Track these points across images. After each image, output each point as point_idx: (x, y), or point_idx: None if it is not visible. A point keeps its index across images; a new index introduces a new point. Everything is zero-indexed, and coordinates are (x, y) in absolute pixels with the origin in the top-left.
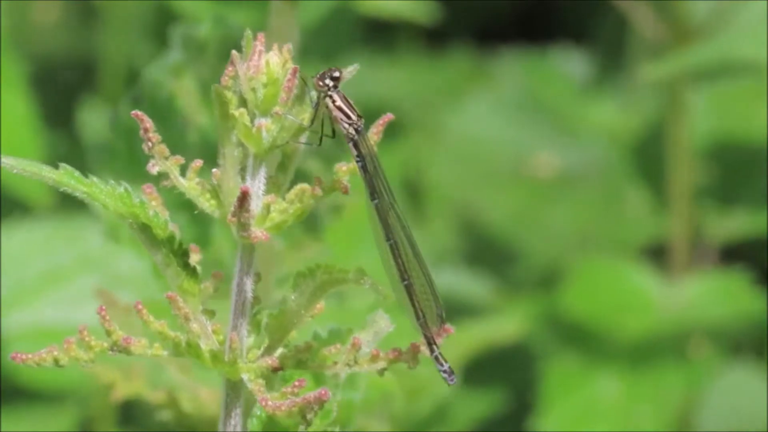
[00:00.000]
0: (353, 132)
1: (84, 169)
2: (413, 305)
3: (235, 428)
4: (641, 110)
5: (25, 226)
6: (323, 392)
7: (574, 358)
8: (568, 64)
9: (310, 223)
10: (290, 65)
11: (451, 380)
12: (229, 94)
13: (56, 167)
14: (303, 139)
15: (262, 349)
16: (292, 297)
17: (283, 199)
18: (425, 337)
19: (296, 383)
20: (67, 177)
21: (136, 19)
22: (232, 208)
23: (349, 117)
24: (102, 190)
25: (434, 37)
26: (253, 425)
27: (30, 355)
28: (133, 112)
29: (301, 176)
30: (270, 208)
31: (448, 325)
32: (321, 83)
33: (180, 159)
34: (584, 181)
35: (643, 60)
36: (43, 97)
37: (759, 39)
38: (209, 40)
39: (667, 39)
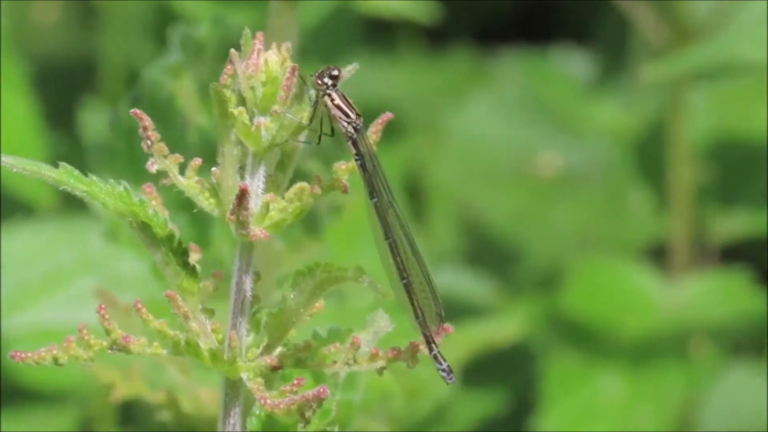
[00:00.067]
0: (352, 130)
1: (84, 169)
2: (412, 304)
3: (234, 427)
4: (642, 110)
5: (27, 228)
6: (322, 390)
7: (574, 357)
8: (569, 64)
9: (309, 224)
10: (289, 64)
11: (450, 379)
12: (228, 93)
13: (56, 167)
14: (302, 137)
15: (261, 347)
16: (291, 295)
17: (282, 197)
18: (424, 335)
19: (295, 381)
20: (66, 176)
21: (136, 20)
22: (231, 206)
23: (348, 115)
24: (101, 189)
25: (434, 37)
26: (252, 424)
27: (29, 354)
28: (133, 110)
29: (300, 176)
30: (269, 206)
31: (446, 324)
32: (320, 82)
33: (179, 157)
34: (586, 181)
35: (644, 60)
36: (44, 98)
37: (759, 39)
38: (208, 41)
39: (667, 39)
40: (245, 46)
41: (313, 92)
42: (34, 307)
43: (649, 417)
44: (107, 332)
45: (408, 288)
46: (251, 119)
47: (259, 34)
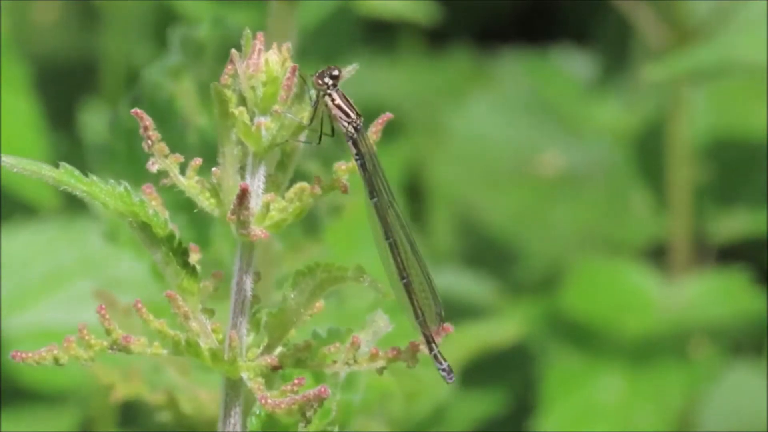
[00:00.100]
0: (352, 130)
1: (84, 169)
2: (412, 304)
3: (235, 427)
4: (643, 110)
5: (28, 228)
6: (323, 389)
7: (574, 358)
8: (570, 64)
9: (309, 225)
10: (289, 64)
11: (450, 379)
12: (228, 93)
13: (57, 167)
14: (302, 137)
15: (261, 347)
16: (292, 295)
17: (283, 197)
18: (424, 335)
19: (296, 381)
20: (67, 176)
21: (136, 20)
22: (232, 206)
23: (348, 115)
24: (102, 189)
25: (434, 38)
26: (252, 424)
27: (30, 354)
28: (133, 110)
29: (299, 176)
30: (269, 206)
31: (447, 324)
32: (320, 82)
33: (180, 157)
34: (587, 181)
35: (645, 60)
36: (44, 98)
37: (759, 39)
38: (208, 42)
39: (667, 39)
40: (246, 46)
41: (313, 92)
42: (34, 308)
43: (648, 417)
44: (108, 332)
45: (408, 288)
46: (252, 119)
47: (260, 34)
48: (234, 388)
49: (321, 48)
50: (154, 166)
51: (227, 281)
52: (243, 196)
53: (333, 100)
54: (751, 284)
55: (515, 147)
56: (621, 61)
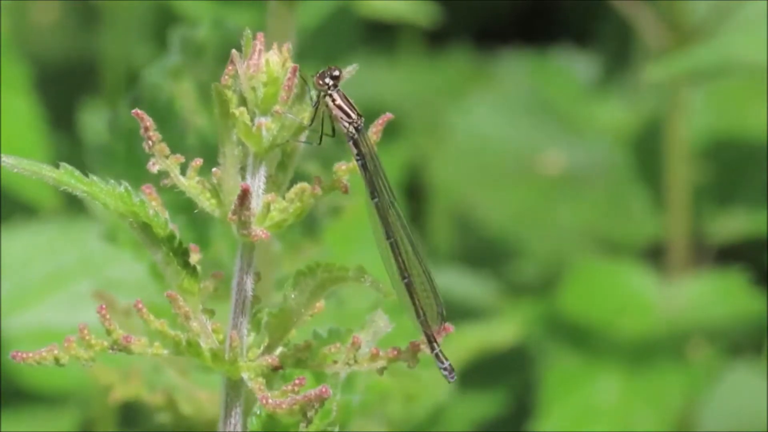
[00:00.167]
0: (353, 131)
1: (85, 170)
2: (413, 303)
3: (236, 427)
4: (644, 110)
5: (28, 229)
6: (324, 389)
7: (573, 359)
8: (570, 64)
9: (308, 226)
10: (290, 64)
11: (452, 378)
12: (229, 93)
13: (57, 167)
14: (303, 137)
15: (262, 347)
16: (292, 295)
17: (283, 198)
18: (425, 335)
19: (296, 381)
20: (67, 176)
21: (136, 20)
22: (233, 207)
23: (349, 116)
24: (102, 190)
25: (434, 38)
26: (252, 424)
27: (30, 354)
28: (134, 111)
29: (299, 177)
30: (270, 206)
31: (448, 324)
32: (321, 82)
33: (180, 158)
34: (587, 181)
35: (645, 60)
36: (44, 99)
37: (758, 39)
38: (208, 42)
39: (667, 39)
40: (246, 46)
41: (314, 93)
42: (34, 308)
43: (648, 418)
44: (108, 332)
45: (409, 288)
46: (252, 120)
47: (260, 35)
48: (235, 389)
49: (321, 48)
50: (154, 167)
51: (227, 281)
52: (244, 196)
53: (334, 100)
54: (749, 285)
55: (516, 147)
56: (621, 61)
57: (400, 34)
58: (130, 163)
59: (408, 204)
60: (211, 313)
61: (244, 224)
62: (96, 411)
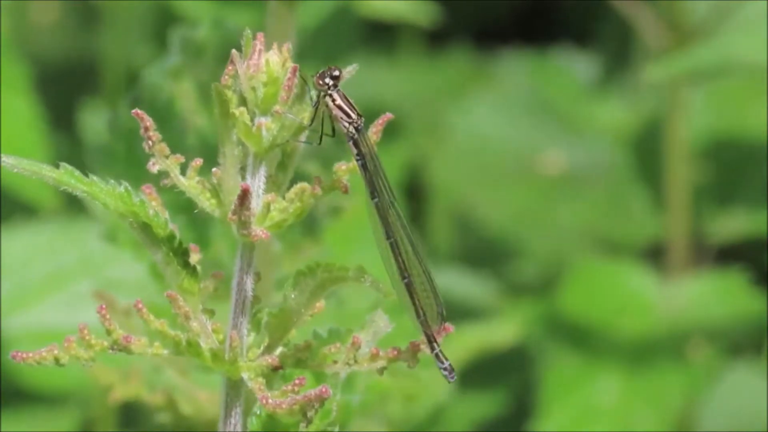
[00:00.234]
0: (353, 131)
1: (85, 170)
2: (413, 303)
3: (236, 427)
4: (644, 110)
5: (28, 229)
6: (324, 389)
7: (573, 359)
8: (570, 64)
9: (308, 226)
10: (290, 64)
11: (452, 378)
12: (229, 93)
13: (57, 167)
14: (303, 137)
15: (262, 347)
16: (293, 295)
17: (283, 198)
18: (426, 335)
19: (296, 381)
20: (67, 176)
21: (136, 20)
22: (233, 207)
23: (349, 116)
24: (102, 189)
25: (434, 38)
26: (252, 424)
27: (30, 354)
28: (134, 111)
29: (300, 178)
30: (270, 206)
31: (448, 324)
32: (321, 82)
33: (180, 158)
34: (588, 181)
35: (646, 60)
36: (44, 99)
37: (758, 39)
38: (208, 43)
39: (667, 39)
40: (246, 46)
41: (314, 93)
42: (34, 308)
43: (647, 418)
44: (108, 332)
45: (409, 288)
46: (252, 120)
47: (260, 35)
48: (235, 389)
49: (321, 48)
50: (154, 167)
51: (227, 282)
52: (244, 196)
53: (334, 100)
54: (749, 285)
55: (516, 147)
56: (621, 61)
57: (400, 34)
58: (129, 163)
59: (408, 204)
60: (211, 313)
61: (244, 224)
62: (96, 411)
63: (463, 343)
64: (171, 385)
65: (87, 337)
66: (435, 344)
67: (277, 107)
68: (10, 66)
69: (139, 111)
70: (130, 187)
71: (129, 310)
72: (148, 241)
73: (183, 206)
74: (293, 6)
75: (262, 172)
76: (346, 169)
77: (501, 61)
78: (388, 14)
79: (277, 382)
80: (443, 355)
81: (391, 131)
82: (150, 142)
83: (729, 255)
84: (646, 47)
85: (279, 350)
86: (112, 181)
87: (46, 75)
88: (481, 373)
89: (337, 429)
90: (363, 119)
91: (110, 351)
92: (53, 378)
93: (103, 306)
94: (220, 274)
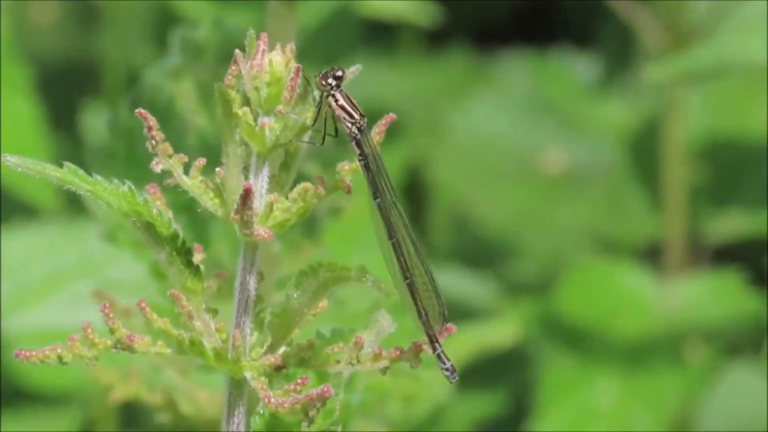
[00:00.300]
0: (356, 131)
1: (86, 170)
2: (415, 303)
3: (238, 427)
4: (644, 110)
5: (28, 229)
6: (326, 389)
7: (570, 360)
8: (570, 65)
9: (308, 226)
10: (293, 64)
11: (453, 378)
12: (232, 93)
13: (60, 167)
14: (306, 138)
15: (264, 347)
16: (295, 295)
17: (286, 197)
18: (427, 335)
19: (299, 380)
20: (71, 175)
21: (137, 20)
22: (235, 206)
23: (351, 116)
24: (106, 189)
25: (434, 38)
26: (255, 424)
27: (33, 352)
28: (137, 110)
29: (303, 178)
30: (273, 206)
31: (450, 324)
32: (324, 82)
33: (183, 157)
34: (588, 180)
35: (645, 60)
36: (44, 99)
37: (757, 39)
38: (208, 43)
39: (666, 39)
40: (249, 46)
41: (317, 93)
42: (34, 308)
43: (645, 419)
44: (111, 331)
45: (411, 288)
46: (255, 119)
47: (264, 35)
48: (237, 388)
49: (321, 49)
50: (157, 166)
51: (230, 281)
52: (246, 196)
53: (336, 100)
54: (746, 285)
55: (516, 146)
56: (621, 61)
57: (400, 34)
58: (130, 164)
59: (408, 204)
60: (214, 312)
61: (246, 224)
62: (96, 411)
63: (462, 342)
64: (171, 385)
65: (90, 336)
66: (437, 344)
67: (280, 107)
68: (10, 66)
69: (142, 111)
70: (133, 186)
71: (129, 310)
72: (152, 240)
73: (183, 206)
74: (293, 6)
75: (265, 171)
76: (349, 169)
77: (501, 61)
78: (388, 14)
79: (279, 382)
80: (445, 356)
81: (391, 131)
82: (153, 142)
83: (726, 255)
84: (646, 47)
85: (282, 350)
86: (116, 180)
87: (46, 75)
88: (480, 373)
89: (339, 428)
90: (366, 119)
91: (114, 350)
92: (53, 378)
93: (106, 305)
94: (223, 274)
